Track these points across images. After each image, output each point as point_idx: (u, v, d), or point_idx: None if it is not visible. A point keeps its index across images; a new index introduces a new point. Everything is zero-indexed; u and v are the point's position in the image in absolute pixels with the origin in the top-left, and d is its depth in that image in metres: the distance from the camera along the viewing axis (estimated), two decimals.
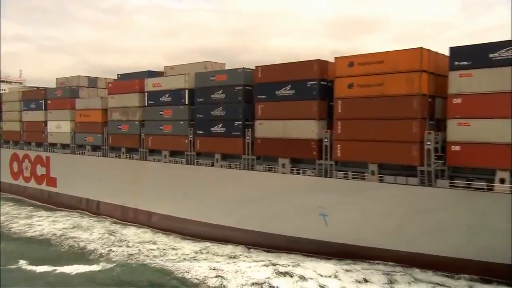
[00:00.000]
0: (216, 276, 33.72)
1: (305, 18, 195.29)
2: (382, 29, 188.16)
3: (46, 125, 66.33)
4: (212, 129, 44.42)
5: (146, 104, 51.34)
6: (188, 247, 41.99)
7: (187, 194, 46.31)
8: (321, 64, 36.54)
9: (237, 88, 42.08)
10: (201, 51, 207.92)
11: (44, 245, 44.70)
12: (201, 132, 45.53)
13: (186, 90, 46.76)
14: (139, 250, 41.45)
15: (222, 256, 38.75)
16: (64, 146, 63.93)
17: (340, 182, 34.98)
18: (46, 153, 66.39)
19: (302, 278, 32.53)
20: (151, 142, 50.81)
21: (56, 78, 66.91)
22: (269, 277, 32.83)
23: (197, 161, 46.15)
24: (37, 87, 76.23)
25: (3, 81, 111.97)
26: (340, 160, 35.39)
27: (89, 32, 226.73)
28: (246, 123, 42.02)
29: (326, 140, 35.93)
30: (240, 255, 38.83)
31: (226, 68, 50.71)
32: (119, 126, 54.62)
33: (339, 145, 34.91)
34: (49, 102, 65.63)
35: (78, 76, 63.35)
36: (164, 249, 41.52)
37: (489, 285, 29.57)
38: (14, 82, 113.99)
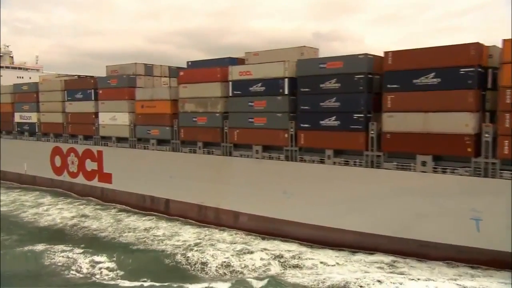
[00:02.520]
0: None
1: None
2: (364, 10, 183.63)
3: (96, 116, 59.58)
4: (321, 122, 38.80)
5: (230, 94, 45.28)
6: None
7: (287, 193, 40.90)
8: (479, 47, 31.19)
9: (357, 76, 36.46)
10: (184, 33, 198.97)
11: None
12: (306, 125, 39.85)
13: (286, 79, 40.88)
14: None
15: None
16: (120, 140, 57.45)
17: (508, 183, 29.98)
18: (97, 146, 59.68)
19: None
20: (237, 136, 44.90)
21: (106, 66, 59.90)
22: None
23: (300, 157, 40.60)
24: (78, 75, 68.85)
25: (20, 68, 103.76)
26: (507, 159, 30.33)
27: (66, 14, 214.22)
28: (368, 115, 36.71)
29: (487, 135, 30.84)
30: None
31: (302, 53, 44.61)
32: (193, 119, 48.42)
33: (507, 141, 29.82)
34: (100, 91, 58.66)
35: (135, 63, 56.46)
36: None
37: None
38: (31, 69, 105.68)
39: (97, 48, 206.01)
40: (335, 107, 37.92)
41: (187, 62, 51.09)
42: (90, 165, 60.46)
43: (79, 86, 62.06)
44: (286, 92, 40.96)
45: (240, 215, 44.82)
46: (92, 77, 62.50)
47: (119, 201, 56.66)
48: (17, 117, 72.57)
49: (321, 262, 34.50)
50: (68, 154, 63.69)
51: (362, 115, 36.39)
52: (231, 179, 45.32)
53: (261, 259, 35.49)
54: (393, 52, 34.64)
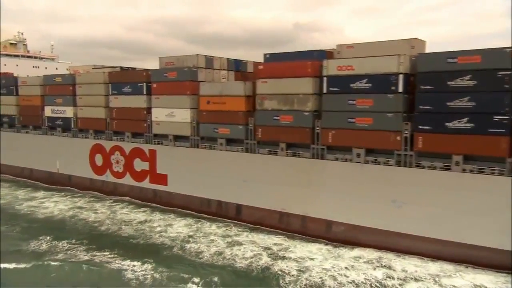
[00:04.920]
0: None
1: None
2: (343, 1, 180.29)
3: (149, 112, 52.00)
4: (447, 124, 32.70)
5: (325, 91, 38.73)
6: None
7: (398, 202, 34.89)
8: None
9: (501, 73, 30.47)
10: (162, 22, 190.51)
11: None
12: (426, 127, 33.71)
13: (401, 75, 34.62)
14: None
15: None
16: (176, 138, 50.11)
17: None
18: (149, 145, 52.18)
19: None
20: (332, 137, 38.45)
21: (160, 58, 52.03)
22: None
23: (416, 163, 34.50)
24: (121, 67, 60.68)
25: (36, 57, 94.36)
26: None
27: None
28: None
29: None
30: None
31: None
32: (275, 117, 41.66)
33: None
34: (154, 85, 51.05)
35: (197, 54, 48.93)
36: None
37: None
38: (46, 59, 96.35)
39: (72, 35, 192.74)
40: (467, 107, 31.85)
41: (264, 54, 44.07)
42: (140, 165, 52.93)
43: (127, 79, 54.15)
44: (400, 89, 34.70)
45: (333, 224, 38.63)
46: (134, 68, 54.72)
47: (176, 204, 49.55)
48: (47, 111, 63.84)
49: None
50: (112, 152, 55.87)
51: (506, 117, 30.50)
52: (323, 184, 38.97)
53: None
54: None
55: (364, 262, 33.26)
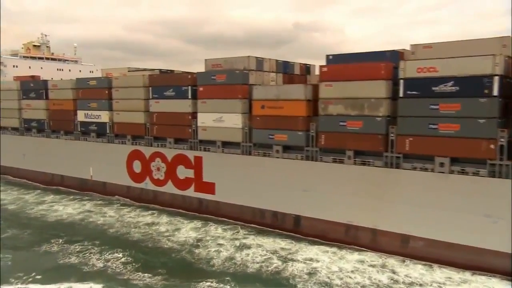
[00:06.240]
0: None
1: None
2: (344, 1, 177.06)
3: (194, 117, 47.89)
4: None
5: (401, 95, 34.58)
6: None
7: (493, 217, 30.75)
8: None
9: None
10: (162, 22, 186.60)
11: None
12: None
13: (496, 77, 30.50)
14: None
15: None
16: (225, 144, 45.99)
17: None
18: (194, 152, 48.06)
19: None
20: (410, 144, 34.29)
21: (205, 60, 47.93)
22: None
23: None
24: (160, 70, 56.56)
25: (60, 60, 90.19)
26: None
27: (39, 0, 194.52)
28: None
29: None
30: None
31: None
32: (341, 123, 37.55)
33: None
34: (200, 89, 46.96)
35: (248, 56, 44.79)
36: None
37: None
38: (70, 61, 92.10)
39: (72, 36, 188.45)
40: None
41: (327, 55, 39.92)
42: (184, 173, 48.82)
43: (169, 82, 49.99)
44: (495, 93, 30.58)
45: (411, 239, 34.52)
46: (172, 71, 50.61)
47: (224, 214, 45.51)
48: (80, 116, 59.72)
49: None
50: (152, 159, 51.75)
51: None
52: (397, 195, 34.85)
53: None
54: None
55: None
